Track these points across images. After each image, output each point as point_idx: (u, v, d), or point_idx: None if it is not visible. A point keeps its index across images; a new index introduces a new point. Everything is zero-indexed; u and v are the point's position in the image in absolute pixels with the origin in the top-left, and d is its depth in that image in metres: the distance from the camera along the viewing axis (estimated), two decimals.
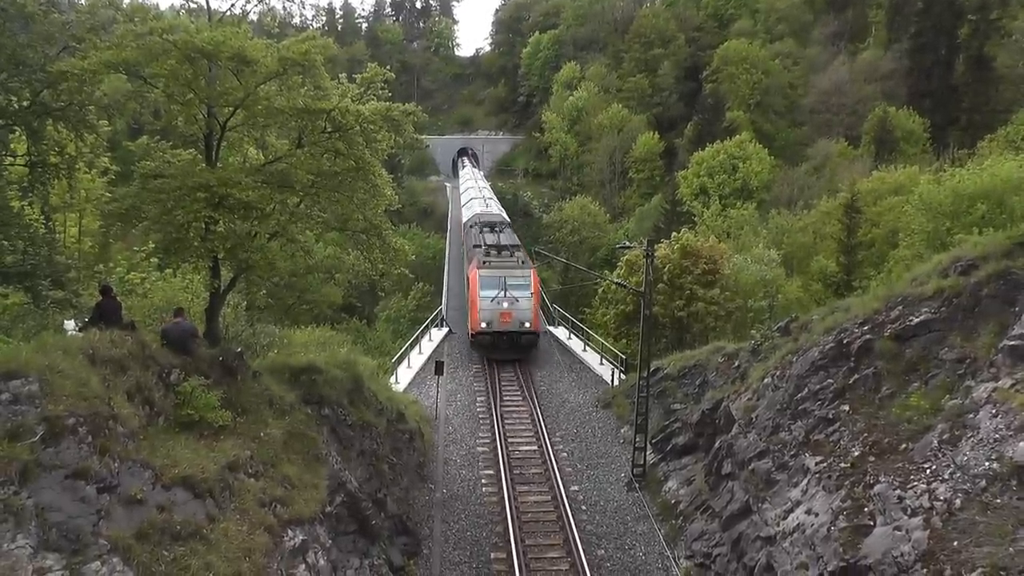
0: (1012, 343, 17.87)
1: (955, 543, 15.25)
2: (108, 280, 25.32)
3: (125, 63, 19.90)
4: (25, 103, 21.25)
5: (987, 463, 16.11)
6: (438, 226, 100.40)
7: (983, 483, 15.90)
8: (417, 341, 47.62)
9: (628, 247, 40.77)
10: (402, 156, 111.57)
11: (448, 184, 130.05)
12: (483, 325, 44.47)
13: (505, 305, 44.45)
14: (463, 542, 26.82)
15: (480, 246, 51.31)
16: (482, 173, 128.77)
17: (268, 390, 20.51)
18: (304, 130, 22.10)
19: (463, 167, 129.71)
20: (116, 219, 21.38)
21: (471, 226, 62.55)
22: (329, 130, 21.70)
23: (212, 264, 22.00)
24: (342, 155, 22.13)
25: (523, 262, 47.33)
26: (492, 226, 57.87)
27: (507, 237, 55.96)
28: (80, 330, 17.64)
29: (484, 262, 46.46)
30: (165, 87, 20.61)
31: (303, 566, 16.66)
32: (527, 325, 44.80)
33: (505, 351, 44.94)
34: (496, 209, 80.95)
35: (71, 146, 23.77)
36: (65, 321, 19.67)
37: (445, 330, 51.77)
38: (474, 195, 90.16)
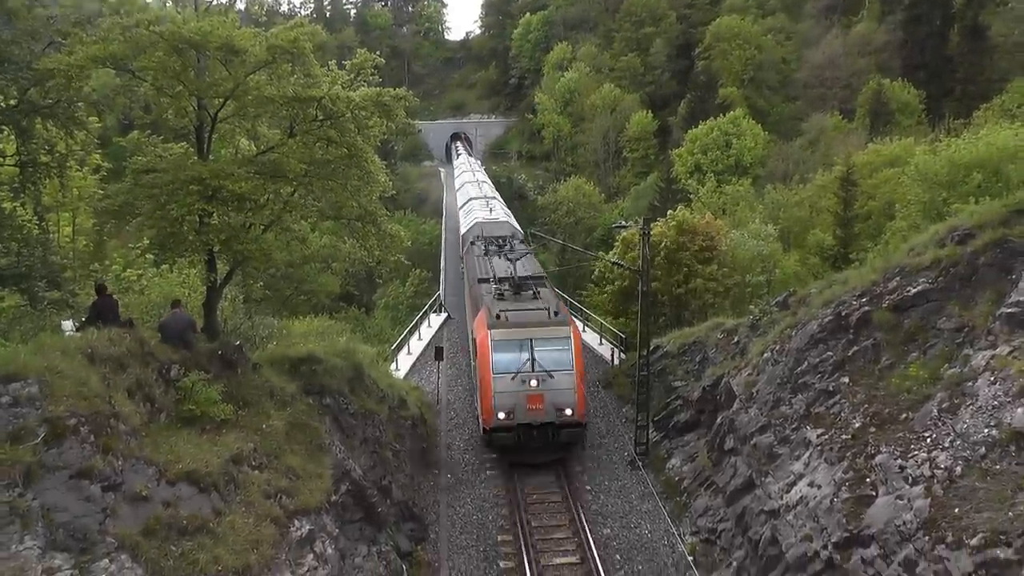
0: (1009, 311, 17.91)
1: (956, 510, 15.33)
2: (104, 278, 25.28)
3: (112, 57, 19.81)
4: (12, 102, 21.17)
5: (986, 430, 16.18)
6: (434, 212, 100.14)
7: (983, 450, 15.97)
8: (416, 327, 47.56)
9: (624, 226, 40.70)
10: (395, 142, 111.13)
11: (442, 169, 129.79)
12: (501, 416, 29.17)
13: (534, 384, 29.14)
14: (469, 526, 26.91)
15: (488, 280, 36.59)
16: (479, 163, 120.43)
17: (269, 382, 20.59)
18: (295, 119, 22.04)
19: (457, 154, 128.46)
20: (110, 216, 21.38)
21: (472, 242, 46.97)
22: (320, 118, 21.67)
23: (208, 258, 21.99)
24: (334, 143, 22.11)
25: (555, 311, 31.12)
26: (501, 245, 42.51)
27: (526, 265, 39.22)
28: (78, 330, 17.67)
29: (498, 315, 30.47)
30: (154, 80, 20.54)
31: (311, 556, 16.77)
32: (569, 412, 29.29)
33: (535, 452, 30.09)
34: (503, 214, 63.50)
35: (61, 144, 23.71)
36: (62, 322, 19.69)
37: (444, 315, 51.78)
38: (473, 193, 74.67)
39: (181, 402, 17.14)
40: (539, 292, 33.59)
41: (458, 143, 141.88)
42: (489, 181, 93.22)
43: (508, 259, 37.82)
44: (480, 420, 31.27)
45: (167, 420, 16.64)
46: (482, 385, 30.20)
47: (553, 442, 29.75)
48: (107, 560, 12.18)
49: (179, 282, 29.38)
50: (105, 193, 23.85)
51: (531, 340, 29.75)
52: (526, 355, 29.52)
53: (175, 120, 22.21)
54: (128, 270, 29.69)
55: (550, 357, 29.54)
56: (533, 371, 29.29)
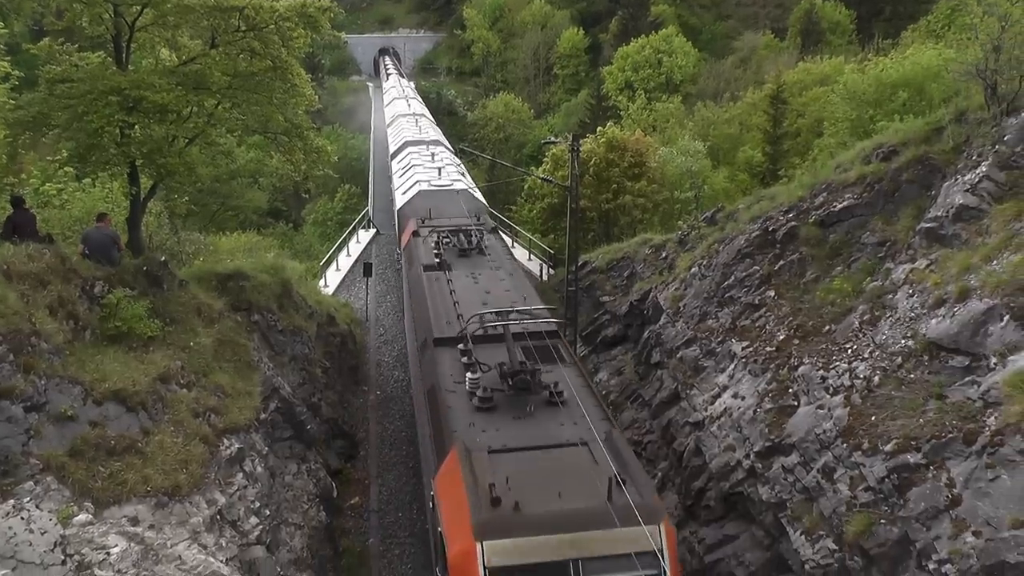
0: (928, 225, 18.43)
1: (873, 418, 15.95)
2: (21, 192, 24.35)
3: None
4: None
5: (903, 341, 16.76)
6: (362, 127, 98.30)
7: (899, 360, 16.57)
8: (345, 243, 47.02)
9: (554, 142, 40.45)
10: (322, 56, 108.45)
11: (370, 84, 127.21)
12: None
13: None
14: (399, 442, 27.08)
15: (452, 344, 18.33)
16: (412, 86, 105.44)
17: (196, 299, 20.20)
18: (217, 29, 21.25)
19: (387, 74, 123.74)
20: (23, 128, 20.47)
21: (415, 233, 28.53)
22: (243, 29, 20.95)
23: (130, 171, 21.32)
24: (258, 55, 21.43)
25: (622, 475, 12.80)
26: (467, 248, 25.75)
27: (523, 308, 19.80)
28: None
29: (495, 494, 12.48)
30: None
31: (241, 474, 16.72)
32: None
33: None
34: (456, 173, 42.82)
35: None
36: None
37: (373, 231, 51.24)
38: (409, 134, 55.29)
39: (106, 319, 16.71)
40: (561, 393, 15.82)
41: (386, 58, 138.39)
42: (428, 114, 74.06)
43: (497, 311, 18.77)
44: None
45: (92, 338, 16.25)
46: None
47: None
48: (32, 482, 12.00)
49: (102, 196, 28.48)
50: (17, 103, 22.81)
51: (578, 563, 12.20)
52: None
53: (90, 28, 21.16)
54: (48, 184, 28.63)
55: None
56: None
